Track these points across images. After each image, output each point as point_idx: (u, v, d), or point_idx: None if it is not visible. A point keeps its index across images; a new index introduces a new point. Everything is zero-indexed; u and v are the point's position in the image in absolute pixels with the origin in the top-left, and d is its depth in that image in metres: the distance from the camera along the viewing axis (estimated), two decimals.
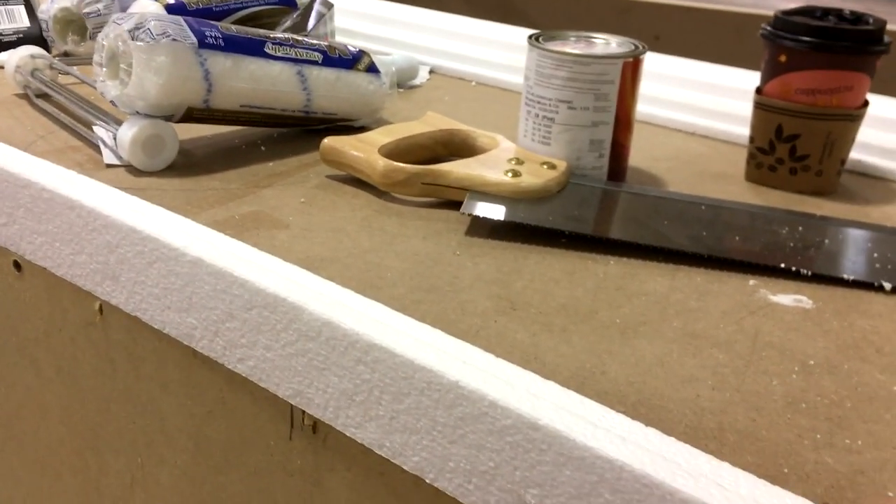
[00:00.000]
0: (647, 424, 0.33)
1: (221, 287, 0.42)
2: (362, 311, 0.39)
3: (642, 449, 0.31)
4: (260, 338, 0.42)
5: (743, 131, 0.66)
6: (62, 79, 0.72)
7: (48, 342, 0.59)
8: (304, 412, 0.43)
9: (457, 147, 0.62)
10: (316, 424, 0.43)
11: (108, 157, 0.59)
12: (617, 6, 1.88)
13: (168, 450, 0.52)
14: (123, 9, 0.78)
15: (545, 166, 0.56)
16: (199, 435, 0.50)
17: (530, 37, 0.59)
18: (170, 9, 0.76)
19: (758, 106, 0.61)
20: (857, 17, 0.59)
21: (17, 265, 0.58)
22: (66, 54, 0.80)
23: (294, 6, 0.84)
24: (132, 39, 0.55)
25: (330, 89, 0.64)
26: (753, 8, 1.73)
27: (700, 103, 0.73)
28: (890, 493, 0.32)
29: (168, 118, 0.58)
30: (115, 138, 0.58)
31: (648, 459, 0.30)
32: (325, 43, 0.66)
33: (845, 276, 0.48)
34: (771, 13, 0.58)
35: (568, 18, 1.94)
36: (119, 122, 0.58)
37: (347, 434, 0.39)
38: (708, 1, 1.82)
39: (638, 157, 0.63)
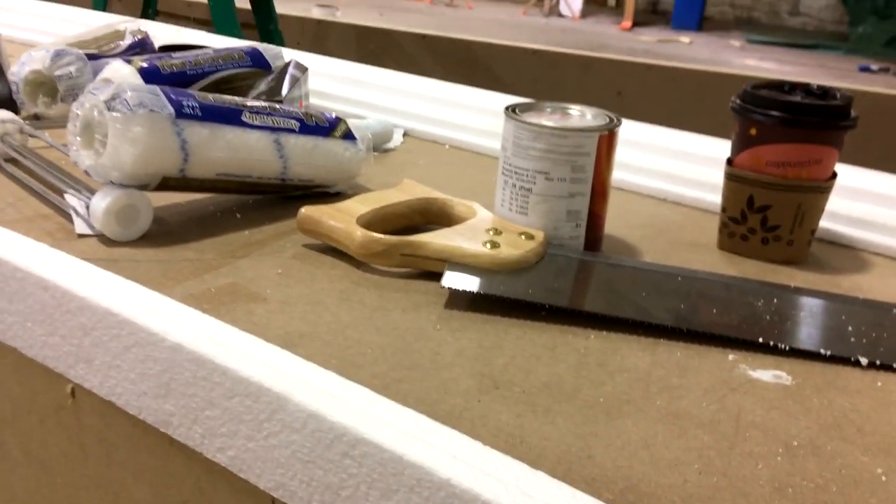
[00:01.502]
0: None
1: (202, 374, 0.41)
2: (350, 402, 0.38)
3: None
4: (241, 427, 0.41)
5: (713, 198, 0.67)
6: (32, 142, 0.71)
7: (16, 424, 0.56)
8: None
9: (434, 215, 0.62)
10: None
11: (81, 227, 0.58)
12: (580, 62, 1.93)
13: None
14: (96, 72, 0.77)
15: (523, 237, 0.56)
16: None
17: (507, 108, 0.59)
18: (143, 72, 0.75)
19: (729, 177, 0.62)
20: (825, 92, 0.61)
21: None
22: (36, 117, 0.79)
23: (268, 69, 0.84)
24: (108, 110, 0.54)
25: (307, 157, 0.64)
26: (711, 66, 1.78)
27: (671, 170, 0.75)
28: None
29: (143, 187, 0.57)
30: (87, 208, 0.57)
31: None
32: (302, 110, 0.66)
33: (822, 352, 0.49)
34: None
35: (532, 74, 1.98)
36: (91, 190, 0.58)
37: None
38: (667, 59, 1.87)
39: (612, 224, 0.64)
